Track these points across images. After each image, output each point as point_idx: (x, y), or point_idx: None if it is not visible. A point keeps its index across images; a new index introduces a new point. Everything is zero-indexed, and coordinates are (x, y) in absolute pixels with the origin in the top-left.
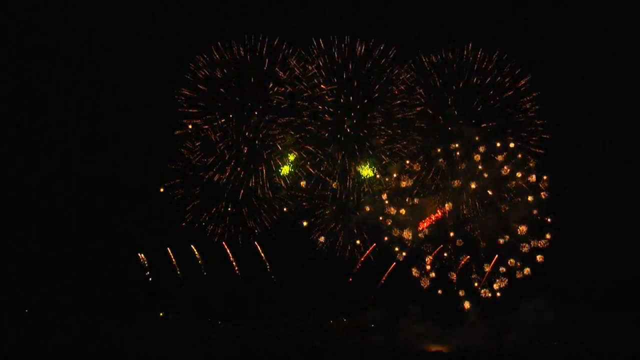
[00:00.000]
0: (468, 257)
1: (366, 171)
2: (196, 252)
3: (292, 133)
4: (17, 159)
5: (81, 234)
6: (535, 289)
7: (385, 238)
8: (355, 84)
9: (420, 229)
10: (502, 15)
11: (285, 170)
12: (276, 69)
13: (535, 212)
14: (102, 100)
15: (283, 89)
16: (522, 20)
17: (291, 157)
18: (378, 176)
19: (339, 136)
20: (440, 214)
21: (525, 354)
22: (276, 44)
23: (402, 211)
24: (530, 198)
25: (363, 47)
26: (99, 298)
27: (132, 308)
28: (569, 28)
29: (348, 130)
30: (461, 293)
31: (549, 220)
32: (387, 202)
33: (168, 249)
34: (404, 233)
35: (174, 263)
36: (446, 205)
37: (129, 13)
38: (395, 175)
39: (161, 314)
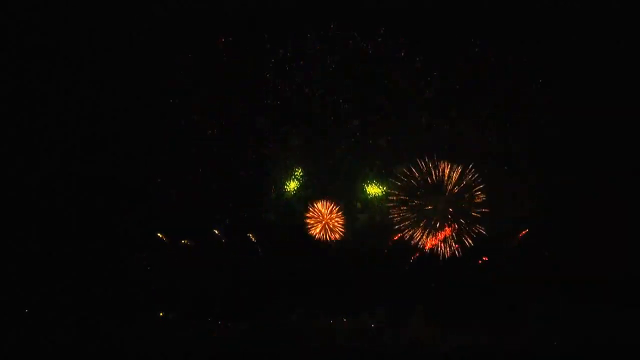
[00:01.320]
0: (486, 258)
1: (373, 189)
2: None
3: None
4: (17, 158)
5: (81, 234)
6: (544, 288)
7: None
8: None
9: (427, 247)
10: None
11: (292, 185)
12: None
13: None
14: (103, 99)
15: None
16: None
17: (297, 172)
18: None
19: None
20: (449, 231)
21: (531, 353)
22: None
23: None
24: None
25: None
26: (99, 298)
27: (132, 308)
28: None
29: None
30: None
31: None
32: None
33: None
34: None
35: (174, 263)
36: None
37: (129, 12)
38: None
39: (161, 314)
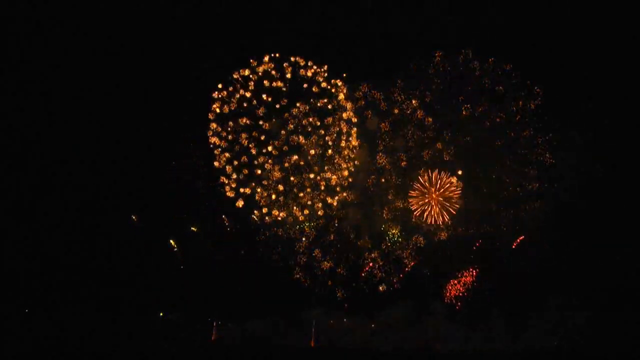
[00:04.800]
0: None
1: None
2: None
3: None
4: (23, 158)
5: (82, 234)
6: (561, 288)
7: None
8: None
9: (448, 295)
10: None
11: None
12: None
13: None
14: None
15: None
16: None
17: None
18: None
19: None
20: (469, 277)
21: (543, 353)
22: None
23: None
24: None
25: None
26: (99, 298)
27: (132, 308)
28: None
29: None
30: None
31: None
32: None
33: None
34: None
35: (177, 261)
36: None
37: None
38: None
39: (161, 314)
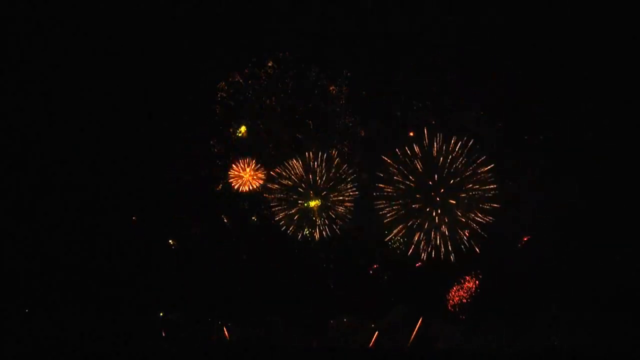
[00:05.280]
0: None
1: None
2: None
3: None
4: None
5: (82, 234)
6: (561, 288)
7: None
8: None
9: (452, 303)
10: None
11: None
12: None
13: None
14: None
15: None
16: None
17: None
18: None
19: None
20: (471, 283)
21: (543, 353)
22: None
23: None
24: None
25: None
26: (100, 298)
27: (132, 308)
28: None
29: None
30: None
31: None
32: None
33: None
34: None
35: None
36: None
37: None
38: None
39: (161, 314)
